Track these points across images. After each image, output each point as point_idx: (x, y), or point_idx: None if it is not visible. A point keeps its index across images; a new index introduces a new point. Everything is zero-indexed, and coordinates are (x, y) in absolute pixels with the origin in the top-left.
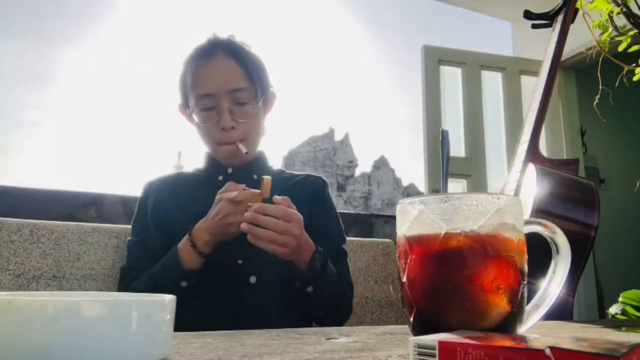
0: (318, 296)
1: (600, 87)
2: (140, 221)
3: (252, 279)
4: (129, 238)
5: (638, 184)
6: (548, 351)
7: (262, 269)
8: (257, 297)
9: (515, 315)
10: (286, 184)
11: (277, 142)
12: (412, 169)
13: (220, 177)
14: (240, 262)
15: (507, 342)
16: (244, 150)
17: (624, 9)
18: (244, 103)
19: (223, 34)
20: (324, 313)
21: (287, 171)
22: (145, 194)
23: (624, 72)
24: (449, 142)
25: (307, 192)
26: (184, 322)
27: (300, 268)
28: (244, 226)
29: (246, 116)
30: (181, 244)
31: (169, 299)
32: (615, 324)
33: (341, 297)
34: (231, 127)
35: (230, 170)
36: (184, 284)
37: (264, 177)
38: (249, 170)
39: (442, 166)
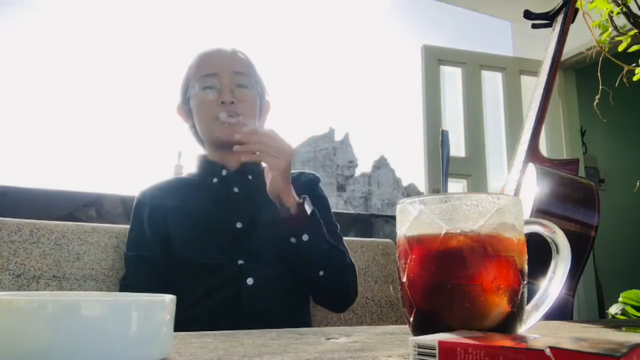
0: (315, 248)
1: (600, 87)
2: (136, 231)
3: (250, 281)
4: (125, 251)
5: (638, 184)
6: (548, 351)
7: (260, 270)
8: (254, 298)
9: (515, 315)
10: None
11: None
12: (412, 169)
13: (215, 180)
14: (240, 262)
15: (507, 342)
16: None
17: (624, 9)
18: (245, 86)
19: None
20: (325, 273)
21: None
22: (140, 203)
23: (624, 72)
24: (449, 142)
25: (301, 188)
26: (181, 322)
27: (290, 212)
28: (236, 147)
29: (246, 98)
30: None
31: (169, 299)
32: (615, 324)
33: (340, 257)
34: (230, 102)
35: (224, 172)
36: None
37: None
38: (244, 171)
39: (442, 166)
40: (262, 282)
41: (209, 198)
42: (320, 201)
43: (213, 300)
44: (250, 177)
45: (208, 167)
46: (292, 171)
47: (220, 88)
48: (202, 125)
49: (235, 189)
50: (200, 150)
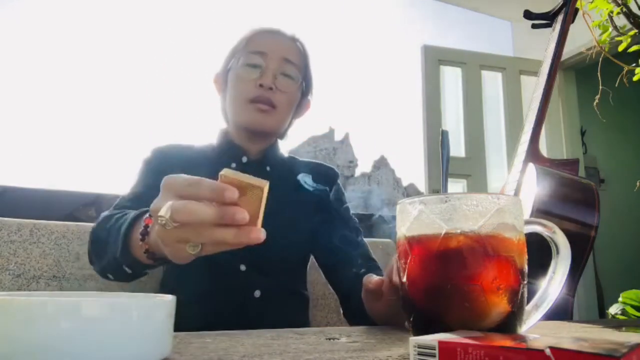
0: None
1: (600, 87)
2: (141, 184)
3: (257, 293)
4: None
5: (638, 183)
6: (548, 351)
7: (267, 280)
8: (261, 311)
9: (515, 315)
10: (300, 168)
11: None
12: (412, 169)
13: (233, 165)
14: (243, 268)
15: (507, 342)
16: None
17: (624, 9)
18: (290, 77)
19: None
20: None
21: (300, 159)
22: (154, 157)
23: (624, 72)
24: (449, 142)
25: (322, 179)
26: (184, 327)
27: None
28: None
29: (287, 88)
30: (136, 226)
31: (169, 299)
32: (615, 324)
33: None
34: (269, 88)
35: (245, 159)
36: (128, 270)
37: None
38: (263, 161)
39: (442, 166)
40: (270, 294)
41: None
42: (345, 203)
43: (217, 312)
44: (268, 168)
45: (229, 148)
46: (307, 159)
47: (264, 70)
48: (233, 103)
49: None
50: (223, 124)
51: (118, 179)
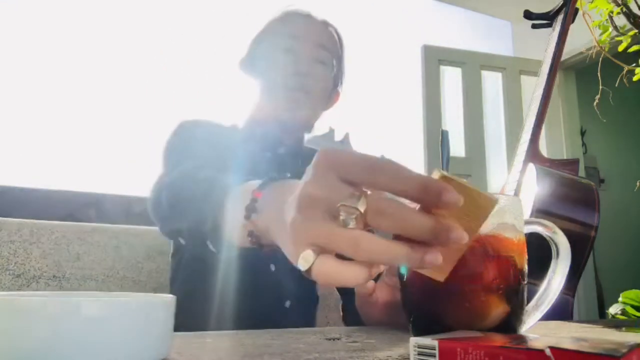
0: None
1: (600, 87)
2: (204, 150)
3: (287, 304)
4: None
5: (638, 184)
6: (548, 351)
7: (295, 287)
8: (290, 321)
9: (515, 315)
10: None
11: None
12: (412, 169)
13: (269, 154)
14: (273, 268)
15: (507, 342)
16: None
17: (624, 9)
18: (324, 63)
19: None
20: None
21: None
22: (185, 129)
23: (624, 72)
24: (449, 142)
25: None
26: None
27: None
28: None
29: (321, 76)
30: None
31: (169, 299)
32: (615, 324)
33: None
34: (304, 74)
35: (282, 150)
36: (212, 248)
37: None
38: (299, 153)
39: (442, 166)
40: (300, 305)
41: (255, 177)
42: None
43: (246, 319)
44: (300, 161)
45: (263, 135)
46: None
47: (299, 55)
48: (264, 89)
49: (288, 175)
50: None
51: (118, 179)
